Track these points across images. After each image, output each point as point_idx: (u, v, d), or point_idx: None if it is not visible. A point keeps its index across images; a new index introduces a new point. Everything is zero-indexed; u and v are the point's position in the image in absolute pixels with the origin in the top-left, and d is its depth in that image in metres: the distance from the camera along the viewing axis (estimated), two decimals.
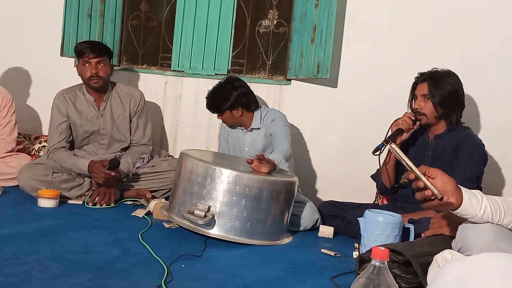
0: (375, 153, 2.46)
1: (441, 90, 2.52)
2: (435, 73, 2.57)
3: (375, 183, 2.85)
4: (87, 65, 2.97)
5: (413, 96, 2.65)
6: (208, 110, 3.09)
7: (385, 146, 2.47)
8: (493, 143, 3.04)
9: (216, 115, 3.08)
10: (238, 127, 3.09)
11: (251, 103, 3.02)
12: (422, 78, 2.59)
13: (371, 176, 2.84)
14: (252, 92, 3.08)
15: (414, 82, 2.65)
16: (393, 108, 2.85)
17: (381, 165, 2.68)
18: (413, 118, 2.55)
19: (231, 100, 2.94)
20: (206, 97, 3.04)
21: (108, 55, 3.04)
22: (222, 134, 3.20)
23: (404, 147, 2.70)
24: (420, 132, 2.68)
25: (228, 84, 2.99)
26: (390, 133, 2.56)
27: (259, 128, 3.02)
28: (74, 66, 3.13)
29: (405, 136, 2.56)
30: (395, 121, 2.58)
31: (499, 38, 3.06)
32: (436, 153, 2.60)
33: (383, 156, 2.66)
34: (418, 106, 2.57)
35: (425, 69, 2.65)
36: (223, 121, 3.08)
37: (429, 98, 2.53)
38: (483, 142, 2.56)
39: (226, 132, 3.17)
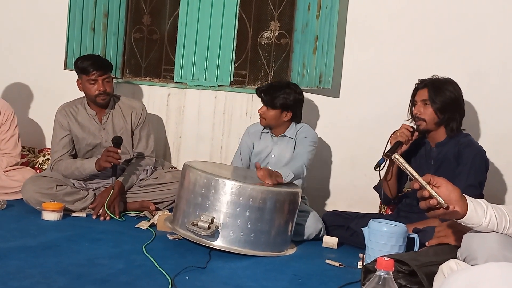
0: (377, 169, 2.50)
1: (442, 96, 2.53)
2: (436, 80, 2.60)
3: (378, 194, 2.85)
4: (93, 83, 2.96)
5: (413, 102, 2.66)
6: (211, 123, 3.06)
7: (386, 160, 2.50)
8: (496, 151, 3.04)
9: (259, 107, 2.97)
10: (269, 132, 3.03)
11: (299, 114, 3.01)
12: (422, 84, 2.61)
13: (374, 187, 2.84)
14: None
15: (415, 88, 2.66)
16: (396, 116, 2.85)
17: (383, 180, 2.70)
18: (411, 129, 2.58)
19: (289, 101, 2.88)
20: (265, 87, 2.97)
21: (111, 70, 3.05)
22: (245, 140, 3.09)
23: (406, 157, 2.70)
24: (421, 141, 2.69)
25: (292, 85, 2.97)
26: (389, 146, 2.57)
27: (291, 138, 2.95)
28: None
29: (404, 148, 2.58)
30: (393, 133, 2.60)
31: (501, 44, 3.06)
32: (438, 161, 2.60)
33: (384, 171, 2.67)
34: (418, 112, 2.58)
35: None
36: (262, 116, 2.94)
37: (430, 103, 2.55)
38: (484, 149, 2.56)
39: (251, 140, 3.07)
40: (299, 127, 2.99)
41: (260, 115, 2.97)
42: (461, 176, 2.45)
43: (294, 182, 2.68)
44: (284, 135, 2.98)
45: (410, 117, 2.69)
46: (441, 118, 2.55)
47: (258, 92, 2.98)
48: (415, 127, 2.61)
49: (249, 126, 3.15)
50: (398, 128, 2.60)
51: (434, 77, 2.62)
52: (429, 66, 3.10)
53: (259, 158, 3.02)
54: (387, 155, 2.50)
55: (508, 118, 3.07)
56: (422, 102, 2.57)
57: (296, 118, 3.00)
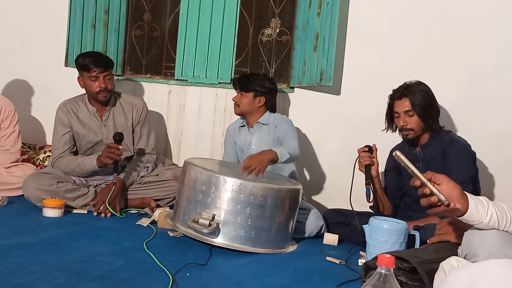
0: (370, 201, 2.53)
1: (418, 100, 2.53)
2: (410, 86, 2.58)
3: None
4: (94, 79, 2.96)
5: (391, 113, 2.65)
6: (211, 120, 3.07)
7: (371, 188, 2.53)
8: (495, 150, 3.04)
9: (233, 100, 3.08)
10: (245, 125, 3.09)
11: (273, 104, 3.10)
12: (399, 94, 2.59)
13: (370, 207, 2.82)
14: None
15: (391, 99, 2.63)
16: None
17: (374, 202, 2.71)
18: (367, 149, 2.60)
19: (262, 86, 3.01)
20: (240, 76, 3.16)
21: (112, 67, 3.05)
22: (227, 139, 3.19)
23: (395, 166, 2.73)
24: (406, 147, 2.70)
25: (267, 76, 3.15)
26: (362, 175, 2.59)
27: (266, 124, 3.02)
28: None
29: (375, 166, 2.60)
30: (355, 163, 2.61)
31: (500, 45, 3.06)
32: (426, 163, 2.60)
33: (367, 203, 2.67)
34: (404, 123, 2.57)
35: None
36: (236, 104, 3.03)
37: (414, 112, 2.54)
38: (467, 142, 2.56)
39: (231, 137, 3.16)
40: (273, 116, 3.06)
41: (234, 103, 3.06)
42: (451, 175, 2.40)
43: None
44: (259, 122, 3.04)
45: (386, 125, 2.69)
46: (426, 122, 2.56)
47: (233, 82, 3.13)
48: (370, 145, 2.62)
49: (228, 126, 3.24)
50: (358, 156, 2.61)
51: (405, 84, 2.60)
52: (429, 66, 3.11)
53: (242, 152, 3.08)
54: (368, 183, 2.54)
55: (508, 118, 3.06)
56: (405, 113, 2.56)
57: (270, 107, 3.08)
